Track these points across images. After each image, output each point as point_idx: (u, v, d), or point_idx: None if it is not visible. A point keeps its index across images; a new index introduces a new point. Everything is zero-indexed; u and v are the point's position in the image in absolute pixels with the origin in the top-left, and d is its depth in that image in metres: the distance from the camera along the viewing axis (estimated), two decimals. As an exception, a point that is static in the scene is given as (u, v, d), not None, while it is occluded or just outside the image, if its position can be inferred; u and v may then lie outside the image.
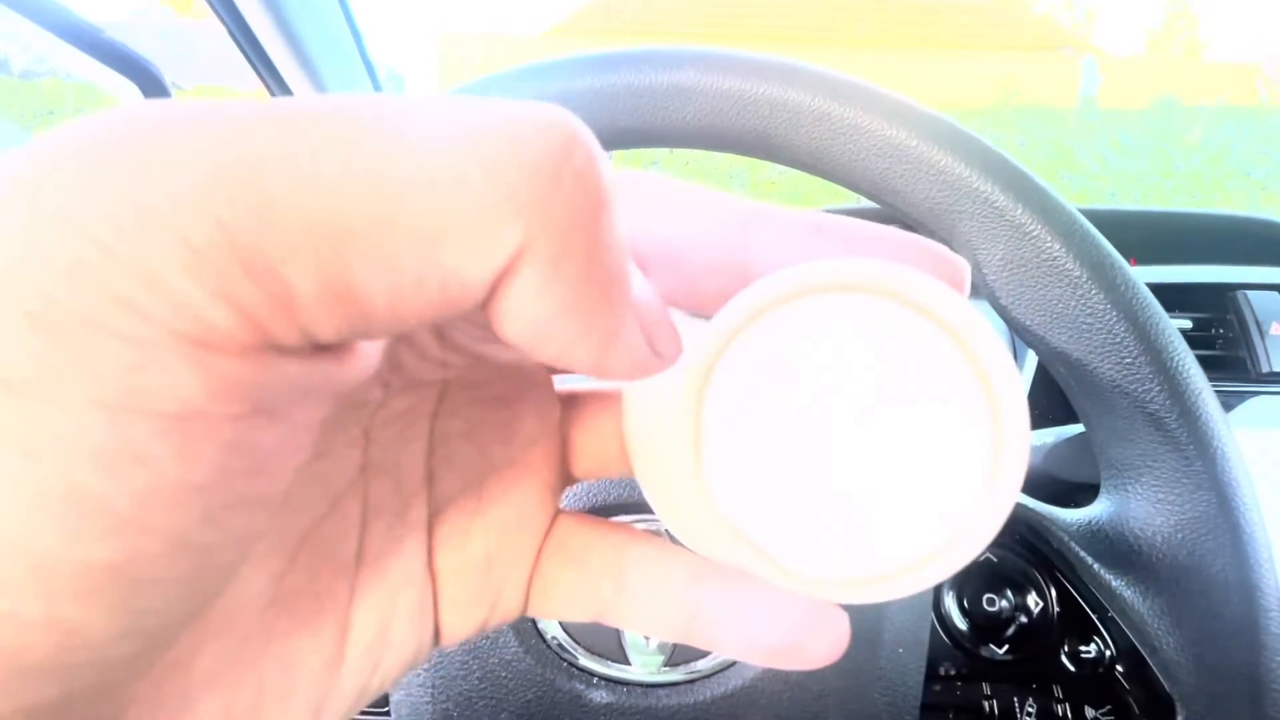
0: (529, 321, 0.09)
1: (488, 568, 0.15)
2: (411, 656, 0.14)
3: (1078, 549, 0.34)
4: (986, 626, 0.37)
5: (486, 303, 0.09)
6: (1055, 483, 0.44)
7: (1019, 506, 0.35)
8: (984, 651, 0.36)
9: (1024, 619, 0.36)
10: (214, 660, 0.12)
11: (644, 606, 0.15)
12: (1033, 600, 0.36)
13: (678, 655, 0.32)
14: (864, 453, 0.12)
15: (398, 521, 0.14)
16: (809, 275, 0.12)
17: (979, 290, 0.30)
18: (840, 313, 0.12)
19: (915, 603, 0.33)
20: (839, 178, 0.30)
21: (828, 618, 0.14)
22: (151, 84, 0.63)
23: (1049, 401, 0.40)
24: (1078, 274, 0.29)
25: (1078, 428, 0.42)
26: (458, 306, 0.09)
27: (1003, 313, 0.30)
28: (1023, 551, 0.37)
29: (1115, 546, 0.33)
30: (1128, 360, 0.29)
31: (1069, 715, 0.35)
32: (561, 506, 0.16)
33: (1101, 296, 0.29)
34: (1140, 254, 0.61)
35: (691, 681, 0.32)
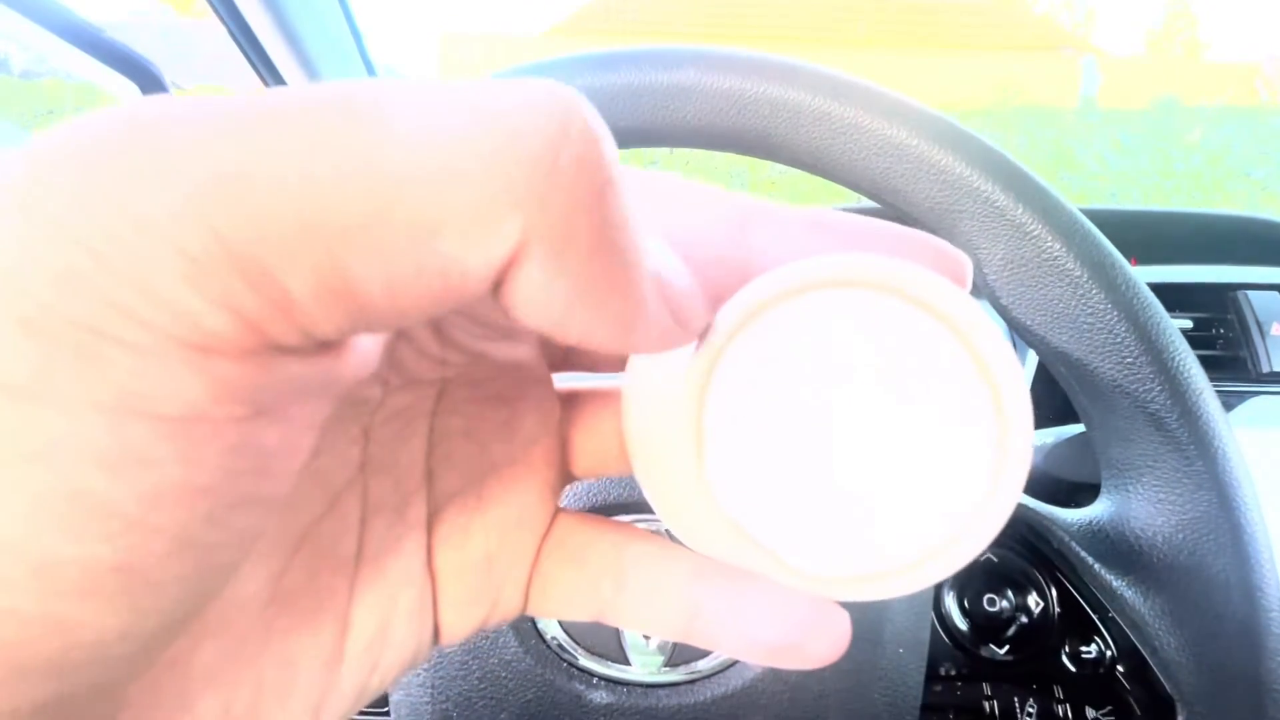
0: (544, 309, 0.09)
1: (487, 566, 0.15)
2: (411, 655, 0.14)
3: (1078, 549, 0.34)
4: (987, 626, 0.37)
5: (498, 292, 0.09)
6: (1056, 483, 0.44)
7: (1019, 506, 0.35)
8: (984, 652, 0.36)
9: (1024, 619, 0.36)
10: (213, 658, 0.12)
11: (644, 605, 0.15)
12: (1033, 600, 0.36)
13: (678, 655, 0.32)
14: (866, 449, 0.12)
15: (397, 520, 0.14)
16: (810, 271, 0.12)
17: (979, 290, 0.30)
18: (842, 309, 0.12)
19: (916, 603, 0.33)
20: (839, 177, 0.30)
21: (829, 617, 0.14)
22: (152, 84, 0.63)
23: (1049, 401, 0.40)
24: (1078, 274, 0.29)
25: (1078, 427, 0.42)
26: (460, 297, 0.08)
27: (1003, 312, 0.30)
28: (1023, 551, 0.37)
29: (1116, 546, 0.33)
30: (1129, 360, 0.29)
31: (1069, 715, 0.35)
32: (561, 505, 0.16)
33: (1102, 296, 0.29)
34: (1140, 254, 0.61)
35: (692, 682, 0.32)
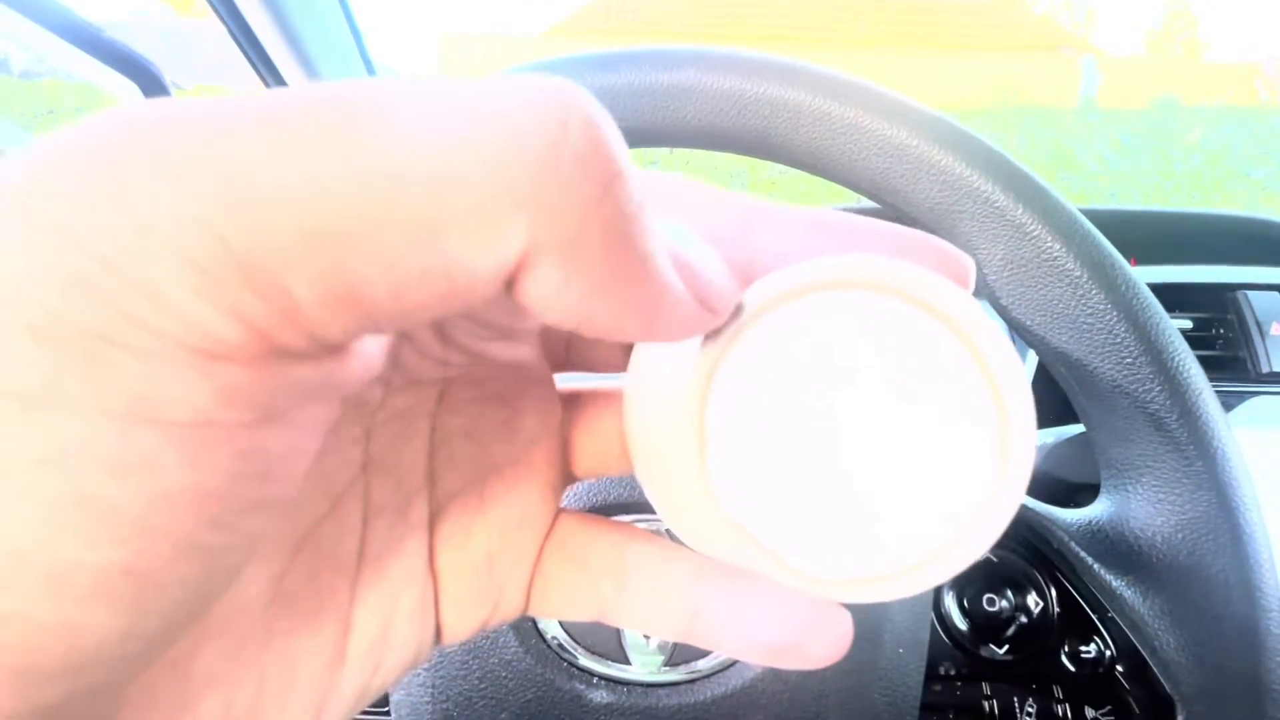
0: (563, 307, 0.09)
1: (489, 567, 0.15)
2: (412, 656, 0.14)
3: (1078, 549, 0.34)
4: (987, 626, 0.37)
5: (513, 292, 0.09)
6: (1056, 483, 0.44)
7: (1020, 506, 0.35)
8: (984, 651, 0.36)
9: (1024, 619, 0.36)
10: (214, 659, 0.12)
11: (645, 606, 0.15)
12: (1033, 600, 0.36)
13: (678, 655, 0.32)
14: (869, 451, 0.12)
15: (399, 520, 0.14)
16: (813, 272, 0.12)
17: (979, 290, 0.30)
18: (845, 310, 0.12)
19: (915, 603, 0.33)
20: (839, 177, 0.30)
21: (829, 617, 0.14)
22: (152, 84, 0.63)
23: (1049, 401, 0.40)
24: (1078, 274, 0.29)
25: (1078, 428, 0.42)
26: (469, 298, 0.08)
27: (1003, 313, 0.30)
28: (1023, 551, 0.37)
29: (1115, 547, 0.33)
30: (1128, 360, 0.29)
31: (1069, 715, 0.35)
32: (562, 506, 0.16)
33: (1102, 296, 0.29)
34: (1140, 254, 0.61)
35: (692, 681, 0.32)
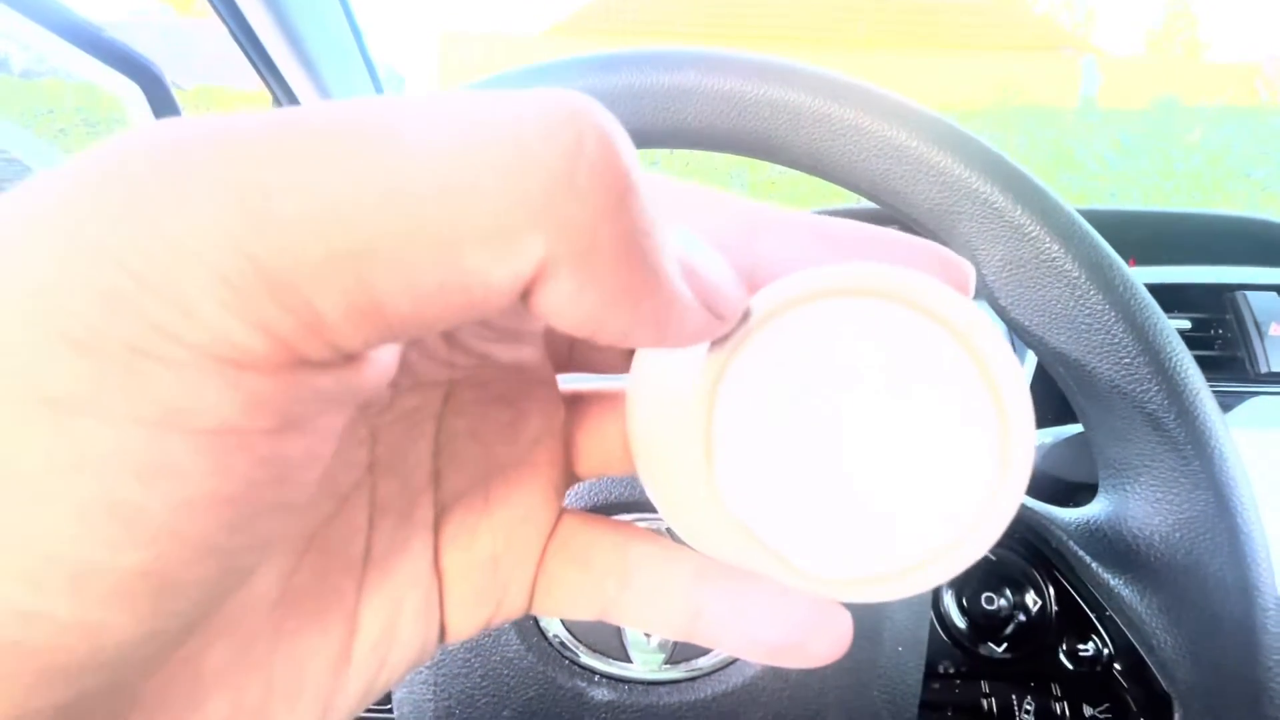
0: (576, 316, 0.09)
1: (493, 566, 0.15)
2: (417, 654, 0.14)
3: (1076, 548, 0.34)
4: (985, 625, 0.37)
5: (528, 301, 0.09)
6: (1054, 482, 0.44)
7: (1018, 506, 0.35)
8: (983, 650, 0.37)
9: (1023, 617, 0.37)
10: (223, 658, 0.12)
11: (647, 605, 0.15)
12: (1031, 599, 0.37)
13: (678, 653, 0.32)
14: (871, 453, 0.13)
15: (404, 521, 0.14)
16: (819, 280, 0.12)
17: (978, 291, 0.30)
18: (848, 317, 0.12)
19: (915, 601, 0.33)
20: (839, 178, 0.30)
21: (830, 616, 0.14)
22: (152, 83, 0.63)
23: (1048, 401, 0.40)
24: (1076, 275, 0.29)
25: (1077, 428, 0.43)
26: (485, 308, 0.09)
27: (1002, 313, 0.30)
28: (1022, 550, 0.37)
29: (1113, 546, 0.33)
30: (1126, 360, 0.29)
31: (1067, 713, 0.35)
32: (564, 505, 0.16)
33: (1100, 297, 0.29)
34: (1140, 254, 0.61)
35: (692, 679, 0.32)
